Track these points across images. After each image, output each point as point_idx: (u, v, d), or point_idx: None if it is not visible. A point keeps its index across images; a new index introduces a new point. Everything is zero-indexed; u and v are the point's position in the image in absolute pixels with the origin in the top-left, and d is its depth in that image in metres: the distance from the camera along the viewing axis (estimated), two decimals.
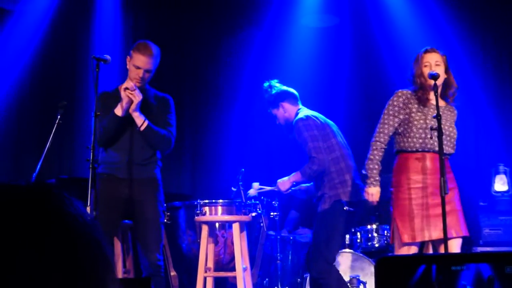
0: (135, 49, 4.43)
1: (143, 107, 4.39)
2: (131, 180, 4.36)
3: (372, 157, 4.31)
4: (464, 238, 4.26)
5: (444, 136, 4.10)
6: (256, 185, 5.33)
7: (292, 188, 5.13)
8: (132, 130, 4.37)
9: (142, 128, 4.31)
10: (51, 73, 7.12)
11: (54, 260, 0.73)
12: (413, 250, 4.20)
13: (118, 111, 4.31)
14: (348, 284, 5.21)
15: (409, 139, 4.24)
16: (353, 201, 4.79)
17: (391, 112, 4.32)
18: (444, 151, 4.13)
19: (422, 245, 4.29)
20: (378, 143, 4.32)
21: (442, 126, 4.06)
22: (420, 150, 4.21)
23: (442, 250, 4.10)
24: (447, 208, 3.93)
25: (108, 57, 4.27)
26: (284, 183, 4.96)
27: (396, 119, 4.29)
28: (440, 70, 4.23)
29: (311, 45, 7.58)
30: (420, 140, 4.20)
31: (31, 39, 7.04)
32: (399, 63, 6.98)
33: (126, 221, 4.55)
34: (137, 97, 4.28)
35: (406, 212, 4.18)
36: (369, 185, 4.33)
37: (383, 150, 4.33)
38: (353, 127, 7.46)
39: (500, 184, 6.38)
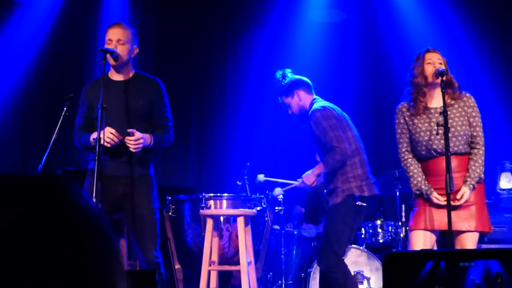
0: (105, 33, 4.42)
1: (134, 94, 4.36)
2: (123, 177, 4.30)
3: (410, 174, 4.31)
4: (482, 233, 4.26)
5: (454, 134, 4.10)
6: (278, 190, 5.31)
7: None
8: (123, 126, 4.29)
9: (135, 150, 4.25)
10: (58, 65, 7.13)
11: (62, 251, 0.73)
12: (421, 237, 4.19)
13: (92, 139, 4.23)
14: None
15: (416, 150, 4.29)
16: (366, 196, 4.75)
17: (399, 131, 4.37)
18: (456, 149, 4.12)
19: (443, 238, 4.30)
20: (404, 161, 4.35)
21: (450, 124, 4.06)
22: (427, 158, 4.24)
23: (457, 241, 4.13)
24: (463, 202, 4.06)
25: (116, 49, 4.28)
26: (309, 176, 4.87)
27: (407, 134, 4.33)
28: (444, 68, 4.22)
29: (319, 40, 7.57)
30: (425, 148, 4.22)
31: (39, 31, 7.04)
32: (406, 59, 6.96)
33: None
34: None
35: (420, 204, 4.23)
36: (430, 196, 4.26)
37: (412, 162, 4.32)
38: (361, 122, 7.45)
39: (505, 182, 6.36)
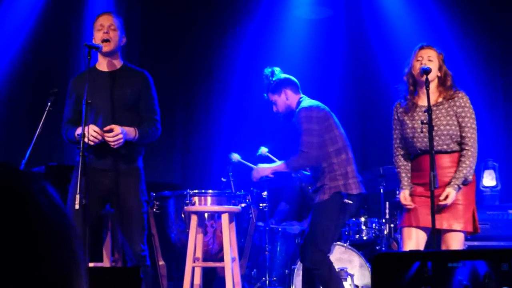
0: (94, 22, 4.39)
1: (121, 84, 4.33)
2: (111, 170, 4.27)
3: (397, 170, 4.41)
4: (470, 233, 4.27)
5: (436, 132, 4.12)
6: (236, 156, 5.29)
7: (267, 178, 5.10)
8: (109, 117, 4.26)
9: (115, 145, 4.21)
10: (43, 60, 7.09)
11: (9, 246, 0.70)
12: (410, 236, 4.22)
13: (77, 134, 4.18)
14: None
15: (406, 146, 4.34)
16: (353, 194, 4.77)
17: (393, 127, 4.43)
18: (440, 148, 4.14)
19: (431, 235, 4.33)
20: (395, 157, 4.42)
21: (434, 122, 4.07)
22: (414, 155, 4.28)
23: (443, 241, 4.16)
24: (449, 201, 4.07)
25: (101, 44, 4.25)
26: (262, 170, 4.90)
27: (397, 131, 4.40)
28: (433, 65, 4.20)
29: (305, 36, 7.57)
30: (412, 144, 4.26)
31: (23, 26, 6.99)
32: (391, 56, 7.00)
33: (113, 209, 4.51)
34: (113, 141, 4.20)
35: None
36: (400, 193, 4.35)
37: (401, 159, 4.38)
38: (345, 119, 7.47)
39: (488, 179, 6.41)
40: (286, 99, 4.97)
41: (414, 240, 4.20)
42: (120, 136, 4.15)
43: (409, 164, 4.36)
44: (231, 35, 7.64)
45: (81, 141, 3.92)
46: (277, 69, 5.09)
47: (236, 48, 7.58)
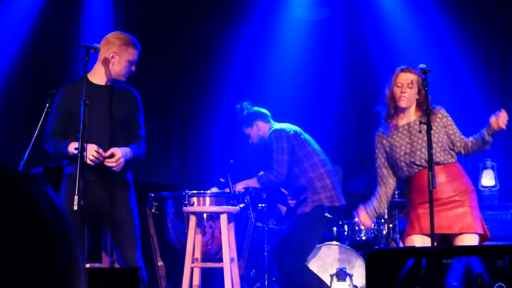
0: (127, 43, 4.32)
1: (117, 102, 4.30)
2: (101, 182, 4.22)
3: (373, 196, 4.43)
4: (482, 236, 4.24)
5: (423, 151, 4.16)
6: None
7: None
8: (102, 127, 4.23)
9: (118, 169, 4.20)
10: (41, 61, 7.09)
11: (9, 249, 0.70)
12: (418, 241, 4.23)
13: (71, 149, 4.11)
14: (335, 276, 5.23)
15: (397, 172, 4.33)
16: (336, 206, 4.99)
17: (376, 156, 4.44)
18: (435, 158, 4.13)
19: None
20: (378, 186, 4.42)
21: (416, 145, 4.20)
22: (410, 174, 4.27)
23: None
24: (459, 210, 4.10)
25: (98, 45, 4.24)
26: (237, 187, 5.09)
27: (382, 159, 4.40)
28: (412, 92, 4.25)
29: (302, 37, 7.57)
30: (406, 166, 4.26)
31: (21, 27, 6.99)
32: (389, 57, 7.00)
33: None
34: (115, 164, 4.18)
35: (412, 213, 4.30)
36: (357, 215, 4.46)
37: (383, 190, 4.40)
38: (343, 120, 7.47)
39: (487, 179, 6.41)
40: (258, 130, 5.31)
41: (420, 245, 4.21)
42: (122, 160, 4.16)
43: (386, 196, 4.39)
44: (229, 36, 7.64)
45: (79, 143, 3.91)
46: (246, 103, 5.43)
47: (234, 49, 7.58)
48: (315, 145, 5.19)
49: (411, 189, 4.30)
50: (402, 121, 4.33)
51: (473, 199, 4.22)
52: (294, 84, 7.37)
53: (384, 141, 4.36)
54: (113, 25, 7.27)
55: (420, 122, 4.10)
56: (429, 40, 7.13)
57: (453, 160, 4.27)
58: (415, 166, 4.23)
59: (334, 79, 7.47)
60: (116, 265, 4.50)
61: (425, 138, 4.06)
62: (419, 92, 4.27)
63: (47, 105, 4.27)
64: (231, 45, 7.60)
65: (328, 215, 4.94)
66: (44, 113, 4.24)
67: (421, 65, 4.13)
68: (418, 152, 4.19)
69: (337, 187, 5.05)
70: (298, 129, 5.18)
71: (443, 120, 4.28)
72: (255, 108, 5.38)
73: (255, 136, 5.34)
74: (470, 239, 4.13)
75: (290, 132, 5.10)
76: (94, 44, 4.22)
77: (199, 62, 7.73)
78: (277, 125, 5.20)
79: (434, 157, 4.10)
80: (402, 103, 4.24)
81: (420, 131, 4.15)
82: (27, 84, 7.02)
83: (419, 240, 4.21)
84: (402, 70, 4.30)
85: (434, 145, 4.14)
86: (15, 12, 6.98)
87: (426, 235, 4.16)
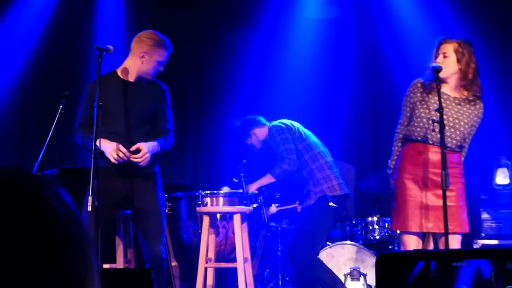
0: (158, 44, 4.37)
1: (143, 98, 4.36)
2: (128, 174, 4.27)
3: (392, 148, 4.34)
4: (464, 234, 4.24)
5: (448, 128, 4.08)
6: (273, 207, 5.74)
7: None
8: (129, 122, 4.28)
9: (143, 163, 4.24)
10: (54, 63, 7.12)
11: (24, 253, 0.71)
12: (413, 239, 4.18)
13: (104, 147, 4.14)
14: (349, 275, 5.24)
15: (413, 128, 4.19)
16: (339, 194, 4.99)
17: (404, 102, 4.29)
18: (449, 144, 4.10)
19: (424, 235, 4.28)
20: (396, 134, 4.33)
21: (447, 118, 4.05)
22: (422, 141, 4.16)
23: (441, 243, 4.10)
24: (448, 202, 3.89)
25: (111, 47, 4.25)
26: (251, 186, 5.12)
27: (408, 108, 4.26)
28: (450, 61, 4.15)
29: (314, 36, 7.56)
30: (424, 130, 4.13)
31: (34, 29, 7.03)
32: (401, 55, 6.98)
33: (127, 211, 4.53)
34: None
35: (398, 201, 4.18)
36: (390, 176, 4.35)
37: (401, 140, 4.31)
38: (356, 118, 7.46)
39: (501, 178, 6.37)
40: (257, 137, 5.40)
41: (416, 241, 4.18)
42: (147, 155, 4.19)
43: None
44: (241, 35, 7.65)
45: (93, 144, 3.94)
46: (237, 123, 5.53)
47: (246, 49, 7.59)
48: (314, 138, 5.23)
49: (411, 159, 4.18)
50: (447, 89, 4.20)
51: (463, 194, 4.19)
52: (306, 84, 7.36)
53: (416, 98, 4.18)
54: (125, 27, 7.29)
55: (433, 121, 4.00)
56: (441, 35, 7.09)
57: (458, 150, 4.22)
58: (431, 142, 4.12)
59: (346, 78, 7.45)
60: (131, 265, 4.52)
61: (450, 119, 4.07)
62: (458, 61, 4.16)
63: (61, 106, 4.30)
64: (244, 45, 7.61)
65: (333, 204, 4.95)
66: (58, 114, 4.27)
67: (433, 64, 4.11)
68: (453, 130, 4.12)
69: (338, 177, 5.07)
70: (296, 123, 5.22)
71: (475, 118, 4.23)
72: (248, 117, 5.48)
73: (257, 143, 5.42)
74: (455, 239, 4.09)
75: (288, 125, 5.15)
76: (107, 46, 4.24)
77: (211, 62, 7.74)
78: (275, 122, 5.25)
79: (451, 139, 4.09)
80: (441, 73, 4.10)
81: (433, 130, 4.06)
82: (40, 86, 7.05)
83: (415, 241, 4.18)
84: (443, 41, 4.25)
85: (457, 126, 4.12)
86: (28, 15, 7.02)
87: (415, 233, 4.15)
